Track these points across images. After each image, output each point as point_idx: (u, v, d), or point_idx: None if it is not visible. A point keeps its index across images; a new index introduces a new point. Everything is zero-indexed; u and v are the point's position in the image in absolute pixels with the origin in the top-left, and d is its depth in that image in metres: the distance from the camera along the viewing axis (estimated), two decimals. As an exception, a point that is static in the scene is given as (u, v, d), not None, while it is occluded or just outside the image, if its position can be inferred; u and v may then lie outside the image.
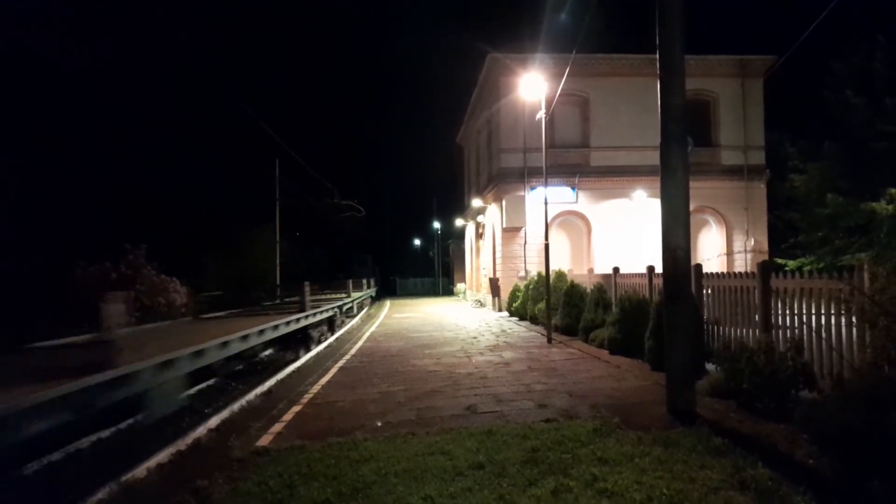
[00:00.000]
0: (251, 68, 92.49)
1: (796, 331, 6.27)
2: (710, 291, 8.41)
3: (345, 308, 19.27)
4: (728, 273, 8.22)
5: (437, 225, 54.18)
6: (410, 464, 4.56)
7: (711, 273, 8.55)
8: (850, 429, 3.95)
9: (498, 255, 23.16)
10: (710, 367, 7.34)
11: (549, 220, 13.52)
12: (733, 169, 22.59)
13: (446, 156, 51.11)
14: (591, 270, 16.38)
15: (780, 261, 19.97)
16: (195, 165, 57.45)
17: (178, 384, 6.66)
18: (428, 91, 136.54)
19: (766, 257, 21.12)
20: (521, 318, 17.93)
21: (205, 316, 13.43)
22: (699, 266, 8.56)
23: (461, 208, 36.29)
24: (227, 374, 9.60)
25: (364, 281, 30.22)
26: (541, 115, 12.96)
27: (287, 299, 18.27)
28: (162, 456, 5.20)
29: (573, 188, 21.90)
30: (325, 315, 14.58)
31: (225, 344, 8.00)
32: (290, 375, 9.40)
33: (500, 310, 22.22)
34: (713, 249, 23.08)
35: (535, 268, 20.16)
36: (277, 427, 6.00)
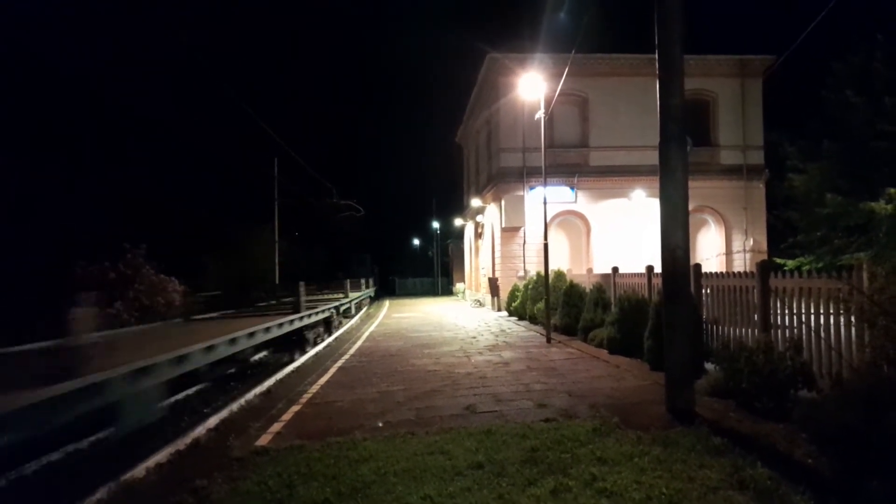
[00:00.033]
0: (251, 68, 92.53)
1: (795, 330, 6.28)
2: (709, 291, 8.41)
3: (342, 309, 18.57)
4: (727, 273, 8.22)
5: (436, 225, 54.24)
6: (410, 463, 4.56)
7: (710, 273, 8.55)
8: (849, 428, 3.95)
9: (497, 254, 23.17)
10: (709, 366, 7.34)
11: (548, 219, 13.53)
12: (732, 169, 22.62)
13: (446, 156, 51.30)
14: (590, 270, 16.39)
15: (779, 260, 19.94)
16: (195, 165, 57.53)
17: (156, 393, 6.15)
18: (428, 91, 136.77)
19: (765, 257, 21.13)
20: (521, 318, 17.93)
21: (196, 317, 12.78)
22: (698, 266, 8.57)
23: (460, 208, 36.29)
24: (215, 380, 9.23)
25: (362, 281, 29.84)
26: (540, 114, 12.96)
27: (284, 299, 17.87)
28: (161, 455, 5.20)
29: (572, 188, 21.91)
30: (320, 316, 14.02)
31: (210, 348, 7.38)
32: (289, 375, 9.41)
33: (499, 309, 22.22)
34: (712, 249, 23.10)
35: (534, 267, 20.16)
36: (277, 427, 6.00)
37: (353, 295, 22.85)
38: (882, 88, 17.88)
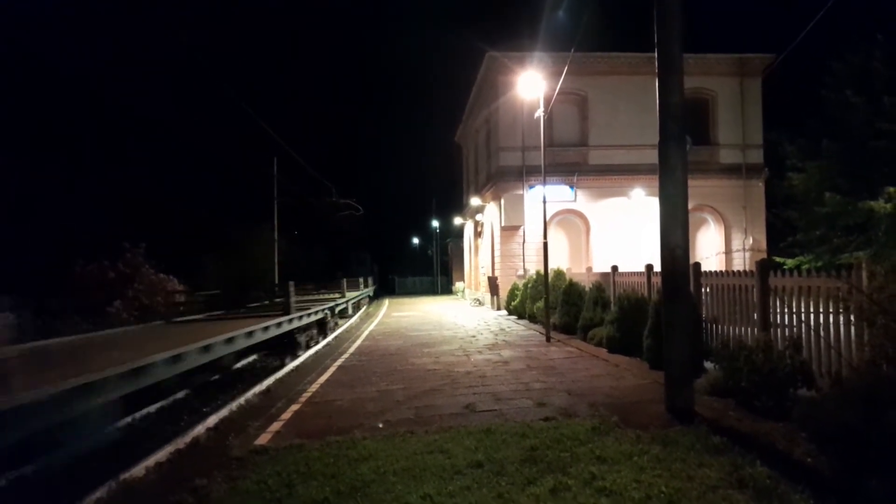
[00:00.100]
0: (251, 68, 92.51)
1: (795, 329, 6.28)
2: (708, 290, 8.42)
3: (338, 309, 17.78)
4: (726, 272, 8.23)
5: (435, 224, 54.23)
6: (409, 462, 4.57)
7: (710, 272, 8.56)
8: (848, 427, 3.95)
9: (497, 253, 23.16)
10: (708, 365, 7.34)
11: (547, 218, 13.53)
12: (732, 167, 22.62)
13: (445, 155, 51.21)
14: (589, 269, 16.38)
15: (778, 259, 19.95)
16: (195, 165, 57.58)
17: (106, 412, 5.49)
18: (427, 91, 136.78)
19: (764, 256, 21.13)
20: (520, 317, 17.93)
21: (178, 319, 11.93)
22: (698, 265, 8.57)
23: (460, 207, 36.28)
24: (200, 387, 8.67)
25: (361, 280, 29.66)
26: (539, 113, 12.95)
27: (277, 300, 17.55)
28: (161, 455, 5.20)
29: (572, 187, 21.90)
30: (313, 318, 13.31)
31: (177, 358, 6.61)
32: (288, 374, 9.41)
33: (498, 308, 22.22)
34: (712, 248, 23.11)
35: (533, 266, 20.18)
36: (276, 426, 6.00)
37: (350, 294, 22.22)
38: (881, 88, 17.88)
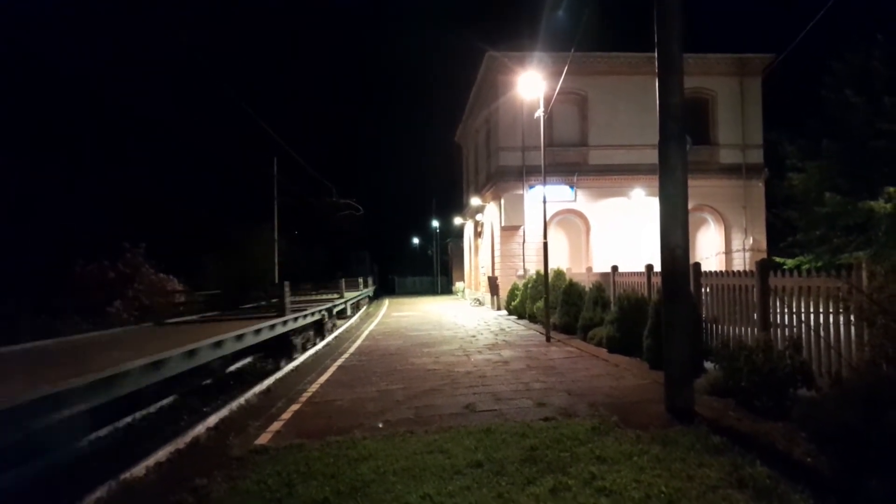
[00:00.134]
0: (251, 68, 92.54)
1: (795, 329, 6.28)
2: (708, 290, 8.42)
3: (336, 310, 17.12)
4: (726, 272, 8.23)
5: (435, 224, 54.26)
6: (409, 462, 4.57)
7: (710, 272, 8.56)
8: (848, 427, 3.95)
9: (497, 253, 23.17)
10: (708, 365, 7.34)
11: (547, 218, 13.53)
12: (732, 167, 22.62)
13: (445, 155, 51.26)
14: (589, 269, 16.38)
15: (778, 259, 19.97)
16: (195, 165, 57.61)
17: (73, 426, 5.01)
18: (427, 91, 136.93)
19: (764, 256, 21.13)
20: (520, 317, 17.94)
21: (169, 321, 11.26)
22: (698, 265, 8.57)
23: (460, 207, 36.29)
24: (188, 393, 7.98)
25: (360, 279, 29.46)
26: (539, 113, 12.95)
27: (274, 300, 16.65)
28: (161, 454, 5.20)
29: (572, 187, 21.91)
30: (309, 319, 12.74)
31: (158, 364, 6.08)
32: (288, 374, 9.41)
33: (498, 308, 22.22)
34: (712, 248, 23.11)
35: (533, 266, 20.18)
36: (276, 426, 6.00)
37: (348, 295, 21.77)
38: (881, 88, 17.90)
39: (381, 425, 5.82)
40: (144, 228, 26.13)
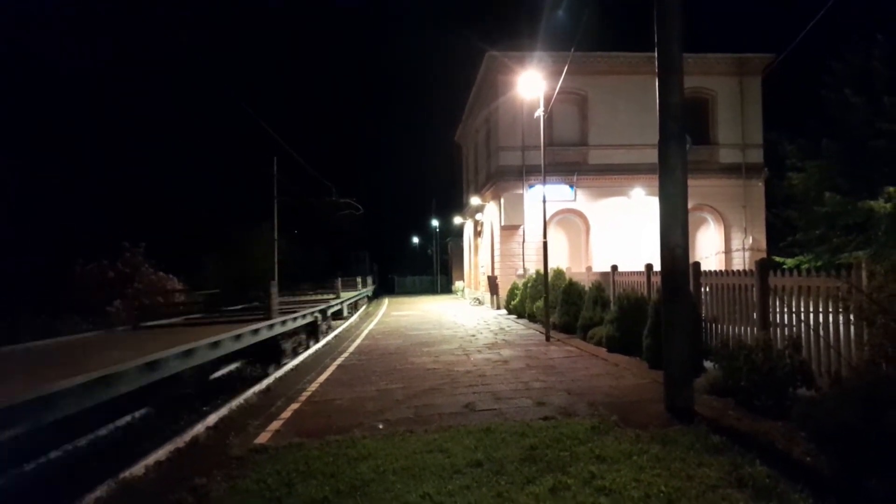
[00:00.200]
0: (251, 68, 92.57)
1: (794, 329, 6.28)
2: (708, 289, 8.42)
3: (331, 311, 16.06)
4: (726, 271, 8.23)
5: (435, 223, 54.25)
6: (409, 461, 4.57)
7: (710, 271, 8.56)
8: (847, 427, 3.96)
9: (496, 253, 23.17)
10: (708, 364, 7.35)
11: (547, 218, 13.53)
12: (732, 167, 22.62)
13: (445, 155, 51.27)
14: (589, 268, 16.38)
15: (778, 259, 19.98)
16: (195, 165, 57.62)
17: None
18: (428, 91, 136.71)
19: (764, 255, 21.13)
20: (520, 316, 17.94)
21: (148, 324, 10.30)
22: (697, 264, 8.58)
23: (460, 207, 36.28)
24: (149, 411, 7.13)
25: (359, 279, 29.28)
26: (539, 112, 12.95)
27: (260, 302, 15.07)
28: (160, 454, 5.19)
29: (571, 186, 21.91)
30: (299, 322, 11.74)
31: (107, 380, 5.09)
32: (288, 373, 9.41)
33: (498, 308, 22.23)
34: (711, 247, 23.11)
35: (533, 266, 20.19)
36: (276, 425, 6.00)
37: (345, 295, 20.92)
38: (881, 88, 17.90)
39: (381, 425, 5.82)
40: (144, 228, 26.15)
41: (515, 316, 18.52)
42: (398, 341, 12.97)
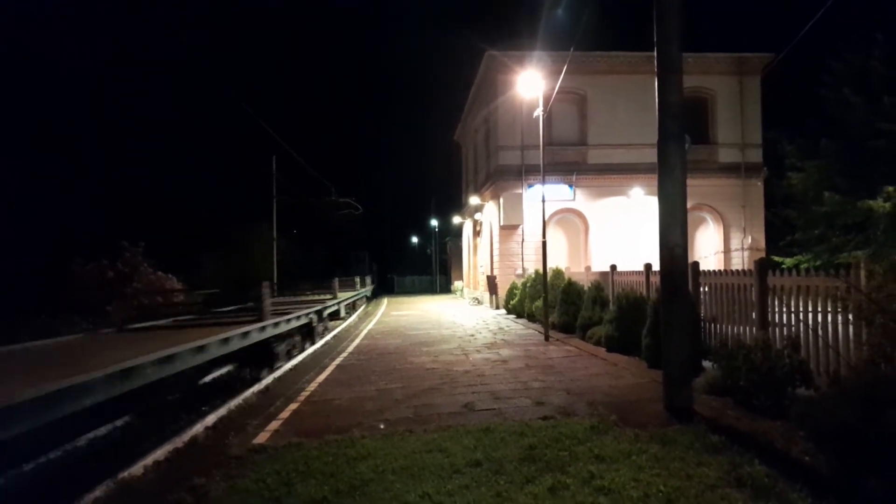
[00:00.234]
0: (251, 68, 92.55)
1: (793, 328, 6.28)
2: (707, 289, 8.42)
3: (327, 312, 15.34)
4: (725, 271, 8.24)
5: (434, 223, 54.26)
6: (408, 461, 4.57)
7: (709, 271, 8.56)
8: (846, 426, 3.96)
9: (495, 252, 23.17)
10: (707, 364, 7.34)
11: (546, 217, 13.53)
12: (731, 167, 22.62)
13: (444, 154, 51.28)
14: (588, 268, 16.39)
15: (777, 258, 19.97)
16: (195, 165, 57.63)
17: None
18: (427, 90, 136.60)
19: (763, 255, 21.15)
20: (519, 316, 17.94)
21: (134, 326, 9.69)
22: (696, 264, 8.58)
23: (459, 206, 36.29)
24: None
25: (357, 279, 29.01)
26: (538, 112, 12.95)
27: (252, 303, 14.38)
28: (159, 454, 5.19)
29: (571, 186, 21.90)
30: (294, 324, 11.18)
31: (77, 391, 4.54)
32: (287, 373, 9.41)
33: (497, 307, 22.22)
34: (710, 247, 23.12)
35: (532, 265, 20.18)
36: (275, 425, 5.99)
37: (342, 295, 19.99)
38: (881, 87, 17.89)
39: (380, 425, 5.82)
40: (144, 228, 26.13)
41: (514, 316, 18.52)
42: (397, 341, 12.97)
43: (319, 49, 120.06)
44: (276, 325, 9.89)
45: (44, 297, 16.44)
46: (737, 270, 7.86)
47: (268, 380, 8.68)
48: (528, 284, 17.27)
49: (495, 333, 13.89)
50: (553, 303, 13.69)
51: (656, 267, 6.99)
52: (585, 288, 13.18)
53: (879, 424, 3.77)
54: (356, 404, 6.79)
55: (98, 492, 4.35)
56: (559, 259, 20.78)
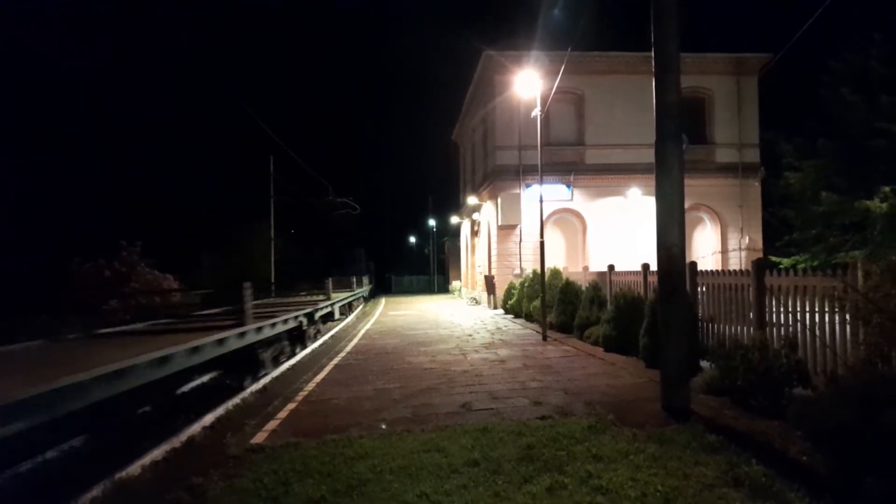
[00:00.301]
0: (251, 68, 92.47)
1: (790, 328, 6.30)
2: (704, 289, 8.44)
3: (318, 315, 14.11)
4: (723, 271, 8.25)
5: (432, 223, 54.26)
6: (406, 461, 4.56)
7: (706, 271, 8.58)
8: (843, 426, 3.97)
9: (493, 252, 23.17)
10: (704, 364, 7.35)
11: (544, 217, 13.54)
12: (728, 167, 22.64)
13: (443, 154, 51.23)
14: (586, 268, 16.41)
15: (774, 258, 20.03)
16: (195, 165, 57.63)
17: None
18: (426, 90, 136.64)
19: (760, 255, 21.20)
20: (517, 316, 17.95)
21: (104, 331, 8.80)
22: (694, 264, 8.59)
23: (457, 206, 36.27)
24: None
25: (353, 279, 28.50)
26: (536, 112, 12.96)
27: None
28: (157, 453, 5.19)
29: (568, 186, 21.91)
30: (281, 328, 10.26)
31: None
32: (284, 373, 9.40)
33: (495, 307, 22.22)
34: (708, 247, 23.14)
35: (530, 265, 20.17)
36: (272, 424, 5.99)
37: (337, 296, 18.81)
38: (879, 87, 17.94)
39: (377, 423, 5.82)
40: (145, 228, 26.17)
41: (512, 315, 18.52)
42: (395, 341, 12.96)
43: (319, 49, 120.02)
44: (259, 330, 8.98)
45: (44, 296, 16.42)
46: (734, 270, 7.87)
47: (265, 380, 8.66)
48: (526, 284, 17.28)
49: (493, 333, 13.89)
50: (551, 303, 13.70)
51: (654, 267, 7.00)
52: (583, 288, 13.18)
53: (877, 424, 3.78)
54: (354, 404, 6.79)
55: (95, 491, 4.34)
56: (557, 259, 20.78)
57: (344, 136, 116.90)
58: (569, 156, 22.18)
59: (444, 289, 47.39)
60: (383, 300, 35.24)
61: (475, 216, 28.53)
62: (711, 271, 8.49)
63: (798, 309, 6.28)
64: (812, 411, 4.52)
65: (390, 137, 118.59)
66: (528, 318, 16.44)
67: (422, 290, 51.24)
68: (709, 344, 7.85)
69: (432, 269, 54.66)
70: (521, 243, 21.96)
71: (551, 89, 13.18)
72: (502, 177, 21.90)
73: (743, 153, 22.70)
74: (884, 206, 16.28)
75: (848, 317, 5.39)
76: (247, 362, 8.84)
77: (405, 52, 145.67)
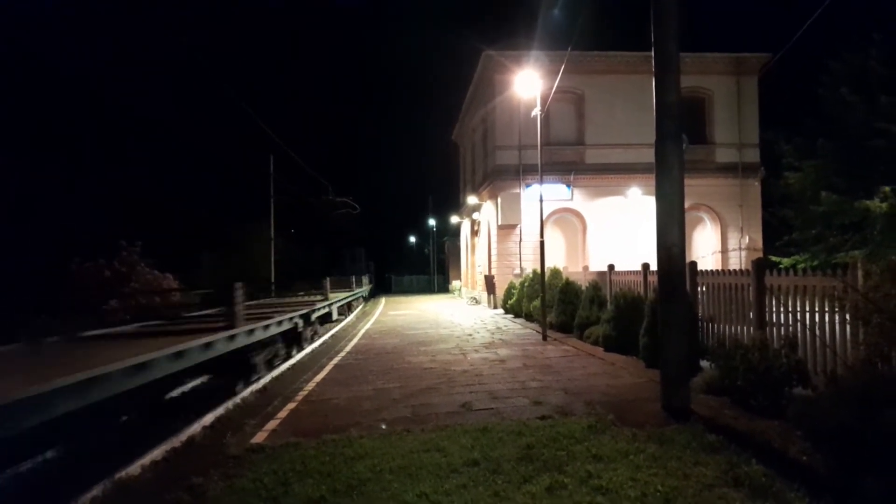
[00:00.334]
0: (251, 68, 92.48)
1: (790, 328, 6.30)
2: (704, 289, 8.44)
3: (315, 316, 13.68)
4: (723, 270, 8.25)
5: (432, 222, 54.27)
6: (405, 461, 4.56)
7: (706, 270, 8.58)
8: (843, 426, 3.97)
9: (493, 252, 23.17)
10: (704, 364, 7.35)
11: (544, 217, 13.53)
12: (728, 166, 22.64)
13: (443, 154, 51.28)
14: (586, 268, 16.42)
15: (774, 258, 20.01)
16: (195, 165, 57.67)
17: None
18: (426, 90, 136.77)
19: (760, 255, 21.20)
20: (517, 316, 17.95)
21: (90, 333, 8.23)
22: (694, 263, 8.59)
23: (457, 206, 36.27)
24: None
25: (353, 278, 28.27)
26: (536, 112, 12.96)
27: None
28: (156, 453, 5.19)
29: (568, 185, 21.91)
30: (274, 330, 9.77)
31: None
32: (284, 373, 9.40)
33: (495, 307, 22.22)
34: (708, 247, 23.15)
35: (530, 265, 20.17)
36: (272, 424, 5.99)
37: (335, 296, 18.33)
38: (878, 87, 17.91)
39: (377, 423, 5.82)
40: (145, 228, 26.19)
41: (512, 315, 18.52)
42: (395, 340, 12.96)
43: (319, 49, 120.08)
44: (251, 332, 8.53)
45: (44, 296, 16.42)
46: (734, 270, 7.88)
47: (265, 379, 8.66)
48: (526, 284, 17.28)
49: (493, 333, 13.89)
50: (551, 302, 13.70)
51: (654, 267, 7.01)
52: (583, 288, 13.18)
53: (876, 424, 3.78)
54: (354, 404, 6.79)
55: (95, 491, 4.34)
56: (557, 259, 20.78)
57: (344, 136, 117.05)
58: (569, 155, 22.18)
59: (444, 288, 47.39)
60: (383, 300, 35.24)
61: (475, 216, 28.53)
62: (711, 271, 8.49)
63: (798, 309, 6.28)
64: (812, 411, 4.52)
65: (390, 137, 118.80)
66: (528, 317, 16.44)
67: (422, 290, 51.24)
68: (709, 344, 7.84)
69: (432, 269, 54.68)
70: (521, 243, 21.96)
71: (551, 89, 13.18)
72: (502, 176, 21.90)
73: (743, 153, 22.71)
74: (883, 205, 16.26)
75: (848, 317, 5.39)
76: (239, 366, 8.46)
77: (405, 52, 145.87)
